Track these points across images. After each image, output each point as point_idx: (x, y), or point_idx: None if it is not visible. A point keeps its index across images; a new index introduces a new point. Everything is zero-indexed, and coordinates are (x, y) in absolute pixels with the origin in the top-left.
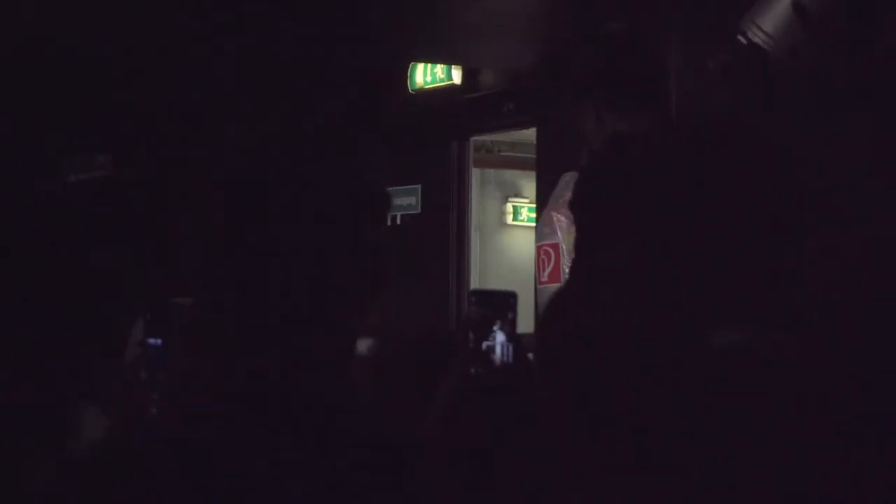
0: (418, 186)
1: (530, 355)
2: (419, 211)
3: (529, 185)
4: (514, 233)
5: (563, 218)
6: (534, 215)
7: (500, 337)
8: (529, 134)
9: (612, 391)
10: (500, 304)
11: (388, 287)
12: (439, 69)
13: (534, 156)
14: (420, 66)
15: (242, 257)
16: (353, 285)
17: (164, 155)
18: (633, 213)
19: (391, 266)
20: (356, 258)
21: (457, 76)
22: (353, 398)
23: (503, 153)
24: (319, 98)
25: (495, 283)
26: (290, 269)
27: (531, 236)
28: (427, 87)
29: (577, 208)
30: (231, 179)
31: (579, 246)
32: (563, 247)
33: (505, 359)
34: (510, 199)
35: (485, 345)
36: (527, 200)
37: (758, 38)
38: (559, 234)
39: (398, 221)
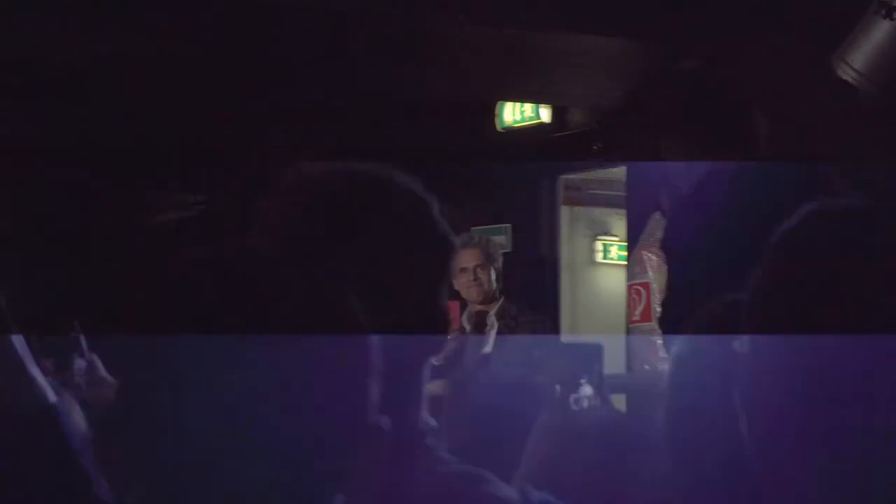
0: (508, 225)
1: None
2: (510, 249)
3: (619, 223)
4: (604, 271)
5: (653, 256)
6: (623, 253)
7: (586, 389)
8: (619, 172)
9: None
10: (586, 355)
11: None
12: (528, 108)
13: (623, 193)
14: (509, 105)
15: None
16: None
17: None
18: (728, 252)
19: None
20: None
21: (545, 115)
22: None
23: (592, 191)
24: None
25: (586, 323)
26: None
27: (621, 274)
28: (516, 125)
29: (670, 248)
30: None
31: (673, 286)
32: (654, 286)
33: (591, 410)
34: (599, 237)
35: (572, 397)
36: (616, 238)
37: (848, 75)
38: (650, 272)
39: None
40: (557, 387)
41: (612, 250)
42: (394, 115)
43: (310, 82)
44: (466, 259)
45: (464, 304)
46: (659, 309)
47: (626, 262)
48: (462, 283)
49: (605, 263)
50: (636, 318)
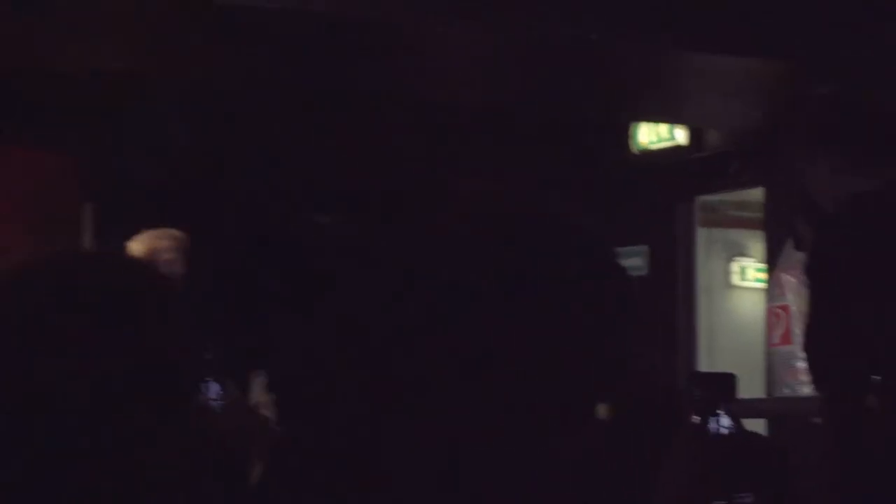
0: (645, 247)
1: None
2: (646, 272)
3: (755, 245)
4: (741, 294)
5: (792, 279)
6: (761, 275)
7: (724, 420)
8: (756, 193)
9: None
10: (723, 385)
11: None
12: (663, 129)
13: (760, 215)
14: (643, 126)
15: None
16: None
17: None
18: (883, 276)
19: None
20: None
21: (681, 136)
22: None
23: (729, 212)
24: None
25: (723, 346)
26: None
27: (758, 297)
28: (651, 146)
29: (818, 272)
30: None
31: (818, 309)
32: (794, 308)
33: (729, 439)
34: (736, 259)
35: (709, 427)
36: (753, 260)
37: None
38: (789, 295)
39: None
40: (695, 417)
41: (749, 272)
42: (530, 136)
43: (448, 101)
44: None
45: None
46: (798, 332)
47: (763, 285)
48: None
49: (741, 286)
50: (775, 341)
